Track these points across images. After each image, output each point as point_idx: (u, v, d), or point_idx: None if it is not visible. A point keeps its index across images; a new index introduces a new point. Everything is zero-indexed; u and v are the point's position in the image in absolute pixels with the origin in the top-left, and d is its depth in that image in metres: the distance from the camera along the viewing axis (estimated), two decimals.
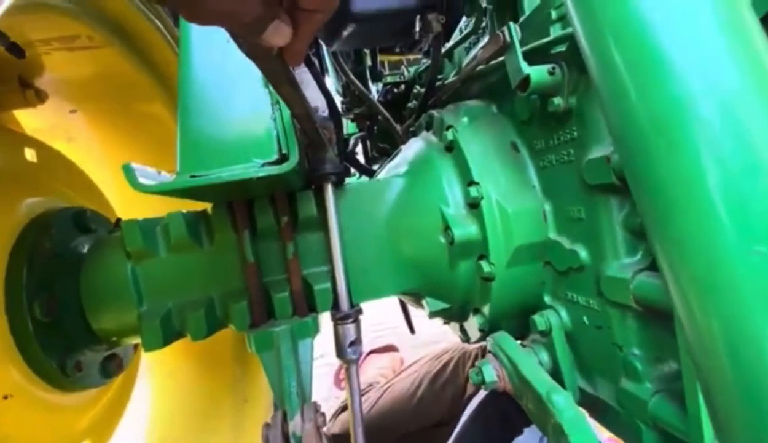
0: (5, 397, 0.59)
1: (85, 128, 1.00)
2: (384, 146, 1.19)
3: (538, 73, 0.49)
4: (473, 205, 0.62)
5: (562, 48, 0.49)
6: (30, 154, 0.74)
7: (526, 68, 0.49)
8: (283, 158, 0.47)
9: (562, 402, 0.49)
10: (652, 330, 0.49)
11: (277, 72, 0.33)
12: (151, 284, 0.67)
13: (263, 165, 0.47)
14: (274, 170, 0.46)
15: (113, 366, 0.74)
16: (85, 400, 0.74)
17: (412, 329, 1.36)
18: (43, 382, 0.63)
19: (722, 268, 0.24)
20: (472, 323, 0.77)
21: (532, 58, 0.50)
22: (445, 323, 0.94)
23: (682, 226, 0.25)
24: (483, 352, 1.41)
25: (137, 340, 0.76)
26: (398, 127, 1.04)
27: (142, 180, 0.44)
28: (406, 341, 2.32)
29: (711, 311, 0.25)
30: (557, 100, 0.51)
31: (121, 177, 1.11)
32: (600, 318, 0.54)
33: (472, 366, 1.38)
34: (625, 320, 0.50)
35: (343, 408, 1.46)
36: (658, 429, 0.47)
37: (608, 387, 0.55)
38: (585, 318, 0.57)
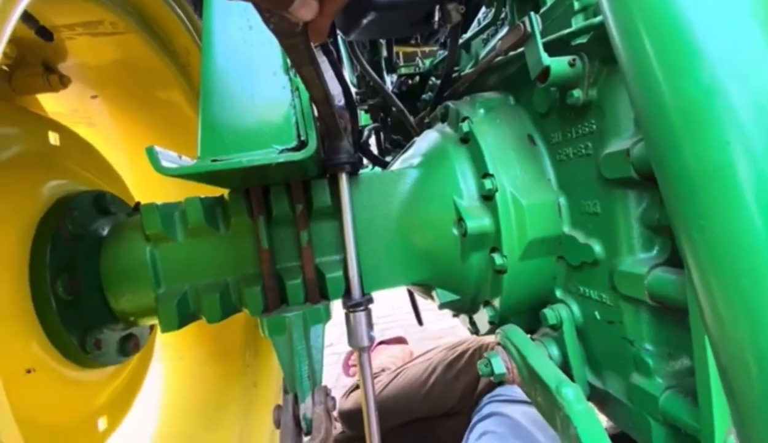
0: (28, 371, 0.62)
1: (105, 113, 1.02)
2: (397, 138, 1.19)
3: (559, 64, 0.48)
4: (487, 197, 0.62)
5: (583, 39, 0.48)
6: (53, 137, 0.76)
7: (546, 59, 0.48)
8: (301, 145, 0.48)
9: (572, 395, 0.49)
10: (665, 326, 0.48)
11: (300, 50, 0.33)
12: (168, 267, 0.68)
13: (282, 151, 0.47)
14: (293, 156, 0.46)
15: (130, 346, 0.76)
16: (102, 377, 0.76)
17: (420, 321, 1.37)
18: (64, 358, 0.65)
19: (750, 260, 0.24)
20: (482, 316, 0.77)
21: (552, 49, 0.50)
22: (455, 315, 0.94)
23: (708, 216, 0.25)
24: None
25: (154, 321, 0.78)
26: (412, 119, 1.04)
27: (165, 163, 0.45)
28: (413, 335, 2.34)
29: (736, 305, 0.25)
30: (576, 93, 0.50)
31: (138, 162, 1.13)
32: (612, 313, 0.54)
33: None
34: (638, 316, 0.50)
35: (356, 387, 1.48)
36: (667, 425, 0.47)
37: (618, 381, 0.55)
38: (596, 313, 0.57)
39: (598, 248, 0.53)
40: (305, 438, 0.55)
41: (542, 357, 0.57)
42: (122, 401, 0.83)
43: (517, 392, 1.21)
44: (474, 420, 1.24)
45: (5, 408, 0.29)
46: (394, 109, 1.21)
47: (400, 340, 2.23)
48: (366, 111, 1.20)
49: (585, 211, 0.55)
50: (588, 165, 0.53)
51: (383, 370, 1.65)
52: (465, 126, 0.65)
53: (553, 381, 0.52)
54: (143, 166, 1.08)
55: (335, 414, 0.60)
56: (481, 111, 0.66)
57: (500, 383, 1.36)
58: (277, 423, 0.58)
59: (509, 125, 0.64)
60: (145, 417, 0.97)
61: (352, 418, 1.39)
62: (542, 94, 0.59)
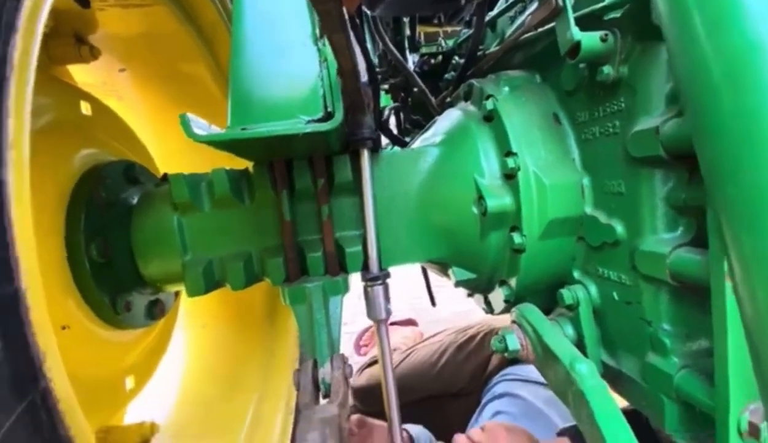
0: (63, 328, 0.65)
1: (132, 87, 1.04)
2: (417, 118, 1.18)
3: (590, 39, 0.48)
4: (509, 176, 0.62)
5: (616, 14, 0.47)
6: (85, 107, 0.78)
7: (578, 34, 0.48)
8: (328, 116, 0.49)
9: (585, 370, 0.50)
10: (684, 307, 0.49)
11: (333, 17, 0.34)
12: (195, 236, 0.71)
13: (309, 122, 0.48)
14: (320, 126, 0.47)
15: (157, 310, 0.80)
16: (131, 339, 0.80)
17: (433, 302, 1.38)
18: (97, 317, 0.69)
19: None
20: (497, 295, 0.78)
21: (583, 24, 0.49)
22: (469, 295, 0.95)
23: (750, 180, 0.25)
24: None
25: (179, 287, 0.81)
26: (433, 99, 1.04)
27: (197, 130, 0.46)
28: (423, 317, 2.36)
29: None
30: (607, 69, 0.49)
31: (163, 137, 1.15)
32: (631, 294, 0.54)
33: None
34: (658, 296, 0.50)
35: (369, 364, 1.52)
36: (681, 403, 0.48)
37: (633, 361, 0.55)
38: (615, 294, 0.57)
39: (620, 228, 0.53)
40: (323, 401, 0.57)
41: (557, 334, 0.58)
42: (148, 363, 0.87)
43: (528, 371, 1.23)
44: (485, 399, 1.27)
45: (58, 361, 0.32)
46: (415, 89, 1.21)
47: (410, 322, 2.26)
48: (386, 92, 1.19)
49: (609, 191, 0.55)
50: (614, 144, 0.52)
51: (394, 350, 1.68)
52: (489, 104, 0.64)
53: (567, 357, 0.53)
54: (168, 141, 1.11)
55: (351, 381, 0.62)
56: (506, 89, 0.66)
57: (513, 361, 1.38)
58: (297, 385, 0.60)
59: (534, 103, 0.64)
60: (168, 382, 1.02)
61: (365, 394, 1.43)
62: (570, 71, 0.58)
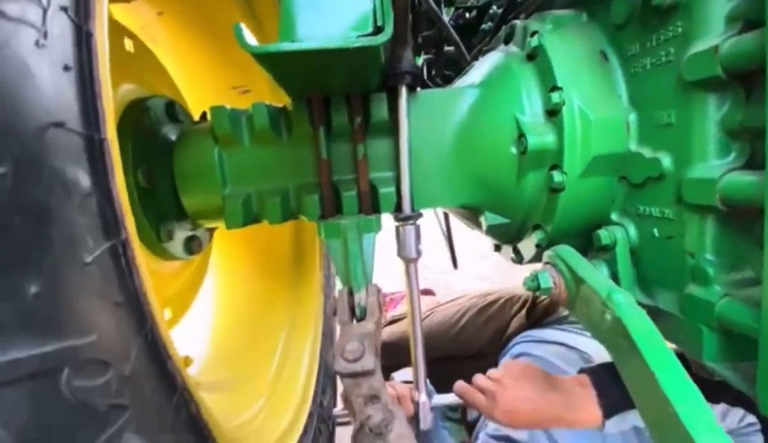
0: None
1: (168, 32, 1.05)
2: (449, 74, 1.17)
3: None
4: (553, 112, 0.61)
5: None
6: (128, 44, 0.80)
7: None
8: (377, 31, 0.49)
9: (623, 299, 0.50)
10: (731, 236, 0.48)
11: None
12: (234, 170, 0.72)
13: (359, 37, 0.49)
14: (370, 40, 0.47)
15: (194, 245, 0.83)
16: (170, 271, 0.83)
17: (455, 264, 1.39)
18: (141, 243, 0.72)
19: None
20: (528, 244, 0.78)
21: None
22: (496, 249, 0.96)
23: None
24: (534, 297, 1.43)
25: (216, 223, 0.84)
26: (467, 53, 1.02)
27: (249, 41, 0.47)
28: (440, 291, 2.39)
29: None
30: None
31: (195, 85, 1.16)
32: (673, 228, 0.53)
33: (521, 308, 1.41)
34: (703, 226, 0.49)
35: (388, 323, 1.55)
36: (720, 330, 0.48)
37: (670, 295, 0.55)
38: (655, 230, 0.57)
39: (667, 160, 0.52)
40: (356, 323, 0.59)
41: (593, 269, 0.58)
42: (184, 298, 0.91)
43: (546, 334, 1.24)
44: (503, 359, 1.28)
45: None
46: (446, 47, 1.19)
47: (428, 292, 2.28)
48: (418, 46, 1.18)
49: (657, 123, 0.54)
50: (667, 73, 0.51)
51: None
52: (534, 41, 0.63)
53: (603, 290, 0.53)
54: (199, 89, 1.12)
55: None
56: (551, 26, 0.64)
57: (531, 325, 1.38)
58: (333, 311, 0.62)
59: (581, 40, 0.62)
60: (199, 320, 1.06)
61: (385, 350, 1.46)
62: (621, 3, 0.57)
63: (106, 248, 0.27)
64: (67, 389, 0.22)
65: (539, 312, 1.40)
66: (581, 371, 0.79)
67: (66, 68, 0.26)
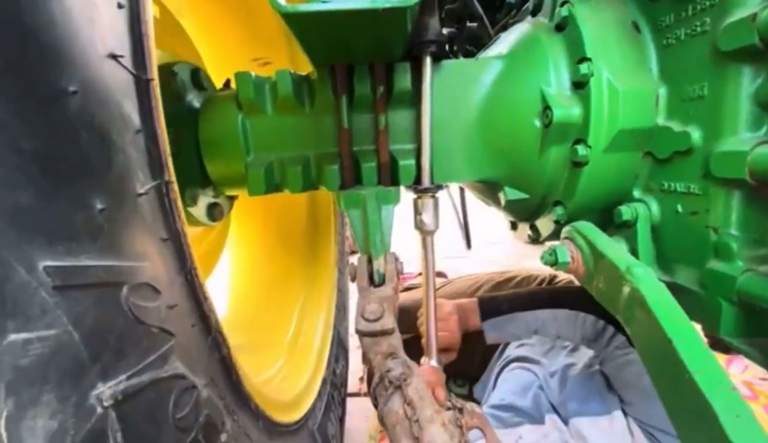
0: None
1: (191, 3, 1.05)
2: (471, 48, 1.16)
3: None
4: (580, 84, 0.60)
5: None
6: (155, 10, 0.81)
7: None
8: None
9: (642, 272, 0.50)
10: (757, 211, 0.48)
11: None
12: (257, 137, 0.74)
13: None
14: (400, 2, 0.47)
15: (217, 212, 0.85)
16: (193, 236, 0.86)
17: (469, 244, 1.40)
18: None
19: None
20: (546, 220, 0.78)
21: None
22: (512, 228, 0.96)
23: None
24: (551, 279, 1.43)
25: (238, 191, 0.85)
26: (490, 29, 1.00)
27: (280, 1, 0.47)
28: (449, 276, 2.40)
29: None
30: None
31: (217, 60, 1.16)
32: (698, 203, 0.53)
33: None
34: (729, 201, 0.49)
35: (404, 289, 1.58)
36: (740, 304, 0.48)
37: (689, 271, 0.55)
38: (679, 206, 0.56)
39: (696, 134, 0.52)
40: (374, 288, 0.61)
41: (613, 244, 0.58)
42: (204, 265, 0.94)
43: None
44: None
45: None
46: (467, 23, 1.17)
47: (440, 274, 2.29)
48: (441, 20, 1.16)
49: (688, 97, 0.53)
50: (701, 44, 0.50)
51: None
52: (564, 10, 0.62)
53: (623, 263, 0.53)
54: (220, 60, 1.13)
55: None
56: None
57: None
58: (353, 277, 0.64)
59: (612, 10, 0.61)
60: (218, 289, 1.10)
61: (399, 317, 1.48)
62: None
63: (153, 186, 0.29)
64: (126, 304, 0.24)
65: None
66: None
67: (120, 6, 0.27)
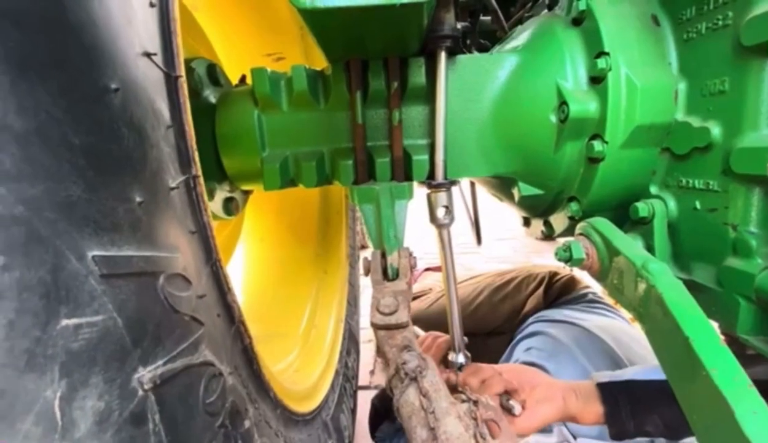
0: None
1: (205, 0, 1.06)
2: (484, 43, 1.15)
3: None
4: (597, 79, 0.60)
5: None
6: None
7: None
8: None
9: (659, 269, 0.50)
10: None
11: None
12: (273, 132, 0.74)
13: None
14: None
15: (232, 206, 0.86)
16: None
17: (479, 240, 1.40)
18: None
19: None
20: (560, 216, 0.78)
21: None
22: (525, 224, 0.96)
23: None
24: (551, 276, 1.43)
25: (253, 186, 0.87)
26: (504, 22, 0.99)
27: None
28: (458, 272, 2.40)
29: None
30: None
31: (231, 56, 1.17)
32: (716, 200, 0.53)
33: (537, 287, 1.41)
34: (749, 197, 0.49)
35: (412, 298, 1.59)
36: (758, 302, 0.48)
37: (707, 269, 0.55)
38: (697, 203, 0.56)
39: (716, 130, 0.51)
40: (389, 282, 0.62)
41: (629, 240, 0.58)
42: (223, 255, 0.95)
43: (561, 315, 1.24)
44: (518, 337, 1.30)
45: None
46: (481, 17, 1.16)
47: (441, 270, 2.29)
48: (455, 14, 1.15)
49: (708, 92, 0.52)
50: (723, 38, 0.50)
51: (429, 290, 1.73)
52: (581, 4, 0.62)
53: (639, 260, 0.53)
54: (235, 55, 1.14)
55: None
56: None
57: (547, 305, 1.38)
58: (367, 271, 0.65)
59: (631, 4, 0.60)
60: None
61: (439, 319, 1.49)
62: None
63: (182, 180, 0.30)
64: (162, 293, 0.25)
65: (556, 292, 1.40)
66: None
67: (151, 5, 0.28)
